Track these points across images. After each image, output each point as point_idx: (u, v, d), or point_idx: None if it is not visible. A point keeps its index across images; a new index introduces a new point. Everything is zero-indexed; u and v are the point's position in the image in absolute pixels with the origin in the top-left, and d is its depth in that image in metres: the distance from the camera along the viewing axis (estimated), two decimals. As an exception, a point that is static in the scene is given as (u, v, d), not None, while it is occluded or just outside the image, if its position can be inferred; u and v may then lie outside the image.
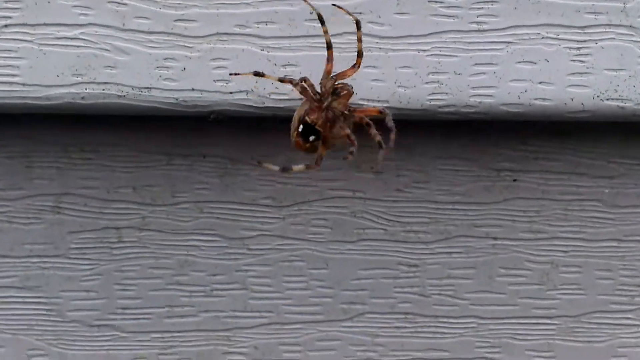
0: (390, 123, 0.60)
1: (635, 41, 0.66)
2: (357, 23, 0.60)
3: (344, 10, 0.61)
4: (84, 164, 0.71)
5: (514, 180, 0.72)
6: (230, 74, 0.62)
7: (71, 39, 0.64)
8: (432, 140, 0.71)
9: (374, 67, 0.66)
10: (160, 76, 0.65)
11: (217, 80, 0.65)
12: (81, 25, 0.64)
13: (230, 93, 0.65)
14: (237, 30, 0.65)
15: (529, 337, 0.75)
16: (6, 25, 0.64)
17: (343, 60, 0.62)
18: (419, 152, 0.72)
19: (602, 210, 0.73)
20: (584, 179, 0.73)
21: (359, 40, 0.60)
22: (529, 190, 0.73)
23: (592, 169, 0.72)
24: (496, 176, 0.72)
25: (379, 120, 0.61)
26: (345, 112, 0.61)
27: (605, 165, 0.72)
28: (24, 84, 0.64)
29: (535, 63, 0.66)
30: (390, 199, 0.73)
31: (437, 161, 0.72)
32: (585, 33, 0.66)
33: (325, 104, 0.60)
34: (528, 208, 0.73)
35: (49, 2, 0.64)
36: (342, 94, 0.61)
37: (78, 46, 0.64)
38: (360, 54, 0.60)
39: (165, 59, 0.65)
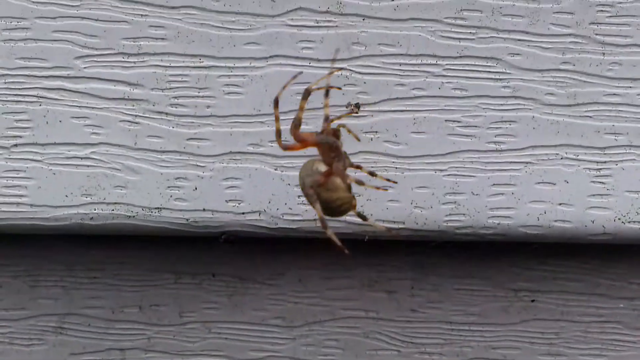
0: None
1: (656, 162, 0.65)
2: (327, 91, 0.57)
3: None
4: (90, 282, 0.69)
5: (532, 300, 0.70)
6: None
7: (82, 158, 0.63)
8: (447, 258, 0.70)
9: (390, 187, 0.64)
10: (171, 196, 0.63)
11: (229, 200, 0.64)
12: (92, 145, 0.63)
13: (243, 214, 0.64)
14: (250, 149, 0.64)
15: None
16: (16, 145, 0.62)
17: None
18: (434, 271, 0.70)
19: (623, 333, 0.71)
20: (604, 299, 0.71)
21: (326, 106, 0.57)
22: (547, 311, 0.71)
23: (612, 289, 0.70)
24: (513, 296, 0.71)
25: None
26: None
27: (626, 286, 0.70)
28: (31, 205, 0.63)
29: (554, 184, 0.64)
30: (404, 319, 0.71)
31: (452, 280, 0.70)
32: (605, 154, 0.65)
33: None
34: (547, 330, 0.71)
35: (60, 121, 0.62)
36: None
37: (88, 166, 0.63)
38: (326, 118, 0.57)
39: (177, 178, 0.63)
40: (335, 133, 0.57)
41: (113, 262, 0.68)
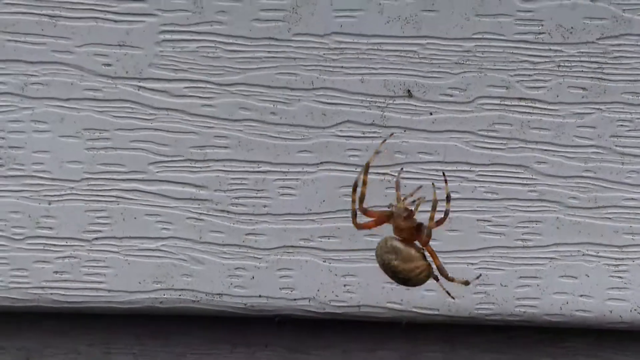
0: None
1: (670, 260, 0.71)
2: (448, 196, 0.59)
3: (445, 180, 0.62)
4: (156, 350, 0.77)
5: (556, 372, 0.77)
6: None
7: (153, 250, 0.71)
8: (478, 333, 0.77)
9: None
10: (231, 284, 0.71)
11: (283, 288, 0.71)
12: (163, 238, 0.71)
13: (294, 300, 0.72)
14: (302, 243, 0.71)
15: None
16: (97, 238, 0.71)
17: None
18: (465, 345, 0.77)
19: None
20: (622, 373, 0.77)
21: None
22: (570, 383, 0.77)
23: (629, 364, 0.77)
24: (539, 368, 0.77)
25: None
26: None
27: (644, 363, 0.77)
28: (109, 290, 0.71)
29: (576, 277, 0.71)
30: (439, 386, 0.78)
31: (482, 354, 0.77)
32: (623, 252, 0.71)
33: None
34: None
35: (135, 217, 0.71)
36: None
37: (159, 257, 0.71)
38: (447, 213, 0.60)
39: (237, 268, 0.71)
40: (406, 208, 0.60)
41: (176, 333, 0.77)
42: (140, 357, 0.77)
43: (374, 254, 0.70)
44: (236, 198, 0.71)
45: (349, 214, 0.68)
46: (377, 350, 0.77)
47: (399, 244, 0.59)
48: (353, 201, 0.59)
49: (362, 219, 0.60)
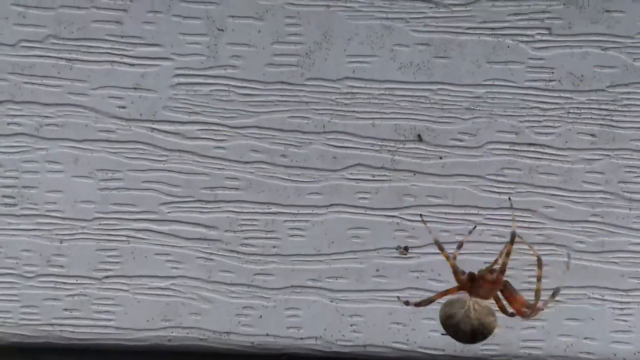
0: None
1: (674, 304, 0.72)
2: (539, 260, 0.61)
3: (528, 245, 0.64)
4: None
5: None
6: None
7: (163, 288, 0.71)
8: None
9: (433, 318, 0.72)
10: (239, 322, 0.72)
11: (290, 327, 0.72)
12: (172, 277, 0.71)
13: (301, 339, 0.72)
14: (310, 283, 0.72)
15: None
16: (107, 277, 0.71)
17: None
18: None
19: None
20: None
21: (539, 279, 0.61)
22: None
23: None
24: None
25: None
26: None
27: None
28: (117, 327, 0.72)
29: (581, 320, 0.72)
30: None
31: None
32: (628, 295, 0.72)
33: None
34: None
35: (145, 257, 0.71)
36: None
37: (168, 295, 0.72)
38: (537, 295, 0.61)
39: (245, 307, 0.72)
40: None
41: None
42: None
43: (380, 294, 0.71)
44: (246, 238, 0.71)
45: (357, 255, 0.69)
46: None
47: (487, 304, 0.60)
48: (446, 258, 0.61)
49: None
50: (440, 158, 0.71)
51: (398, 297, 0.68)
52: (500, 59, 0.69)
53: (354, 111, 0.70)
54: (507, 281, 0.61)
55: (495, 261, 0.62)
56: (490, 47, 0.69)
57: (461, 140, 0.70)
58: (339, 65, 0.69)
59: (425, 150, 0.71)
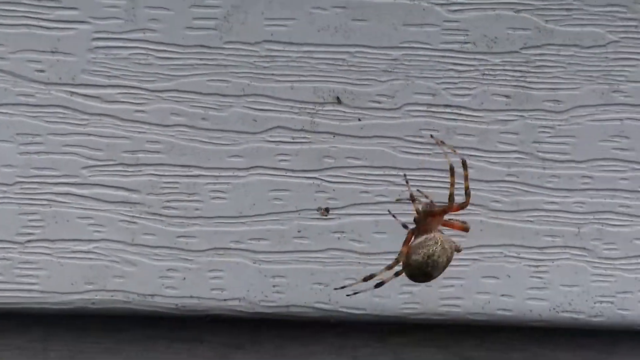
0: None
1: (588, 261, 0.74)
2: (463, 163, 0.63)
3: (449, 148, 0.67)
4: (94, 345, 0.78)
5: (481, 365, 0.80)
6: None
7: (86, 252, 0.72)
8: (407, 328, 0.79)
9: (355, 279, 0.74)
10: (163, 285, 0.73)
11: (213, 288, 0.73)
12: (95, 241, 0.72)
13: (225, 300, 0.73)
14: (232, 245, 0.73)
15: None
16: (29, 241, 0.72)
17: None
18: (396, 340, 0.79)
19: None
20: (543, 365, 0.80)
21: (466, 178, 0.64)
22: (495, 375, 0.80)
23: (552, 358, 0.80)
24: (464, 362, 0.80)
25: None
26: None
27: (571, 358, 0.80)
28: (42, 291, 0.72)
29: (498, 278, 0.74)
30: (368, 379, 0.80)
31: (412, 347, 0.80)
32: (543, 253, 0.74)
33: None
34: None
35: (67, 220, 0.72)
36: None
37: (91, 258, 0.72)
38: (467, 193, 0.64)
39: (168, 269, 0.73)
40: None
41: (113, 329, 0.78)
42: (78, 354, 0.78)
43: (301, 255, 0.72)
44: (168, 201, 0.72)
45: (279, 217, 0.70)
46: (310, 345, 0.80)
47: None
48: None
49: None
50: (359, 120, 0.72)
51: (389, 211, 0.67)
52: (416, 22, 0.71)
53: (273, 74, 0.71)
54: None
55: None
56: (407, 10, 0.70)
57: (379, 102, 0.72)
58: (258, 28, 0.70)
59: (344, 112, 0.72)
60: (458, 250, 0.66)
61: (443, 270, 0.63)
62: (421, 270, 0.63)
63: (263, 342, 0.79)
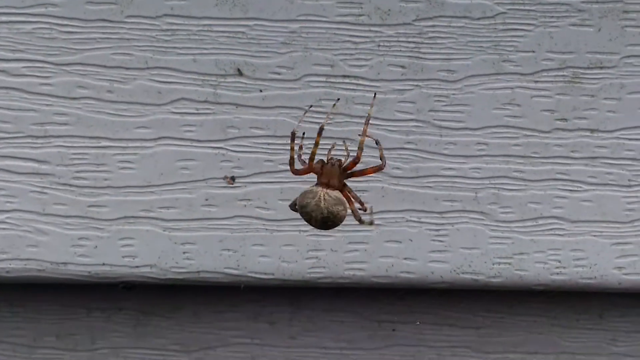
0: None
1: (485, 224, 0.77)
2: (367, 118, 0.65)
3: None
4: (12, 316, 0.81)
5: (393, 330, 0.83)
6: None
7: (-2, 222, 0.75)
8: (319, 296, 0.82)
9: (261, 245, 0.76)
10: (75, 253, 0.75)
11: (125, 256, 0.76)
12: (7, 211, 0.75)
13: (137, 267, 0.76)
14: (142, 214, 0.76)
15: None
16: (-58, 212, 0.74)
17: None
18: (309, 306, 0.82)
19: (471, 356, 0.84)
20: (454, 329, 0.83)
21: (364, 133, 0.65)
22: (406, 339, 0.83)
23: (460, 320, 0.83)
24: (377, 326, 0.83)
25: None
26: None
27: (472, 318, 0.83)
28: (-44, 261, 0.75)
29: (401, 242, 0.77)
30: (284, 345, 0.83)
31: (324, 314, 0.83)
32: (443, 217, 0.77)
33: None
34: (406, 354, 0.84)
35: (-21, 192, 0.74)
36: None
37: (4, 228, 0.75)
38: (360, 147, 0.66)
39: (80, 238, 0.75)
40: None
41: (32, 300, 0.81)
42: (-3, 324, 0.81)
43: (210, 223, 0.75)
44: (78, 172, 0.75)
45: (186, 186, 0.72)
46: (225, 312, 0.82)
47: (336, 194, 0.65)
48: (292, 149, 0.66)
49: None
50: (261, 91, 0.75)
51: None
52: (311, -5, 0.73)
53: (175, 47, 0.74)
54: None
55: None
56: (301, -16, 0.73)
57: (279, 74, 0.74)
58: (158, 2, 0.73)
59: (246, 84, 0.74)
60: (360, 220, 0.68)
61: (322, 224, 0.65)
62: (301, 215, 0.65)
63: (180, 309, 0.81)
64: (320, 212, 0.65)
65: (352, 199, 0.68)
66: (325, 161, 0.67)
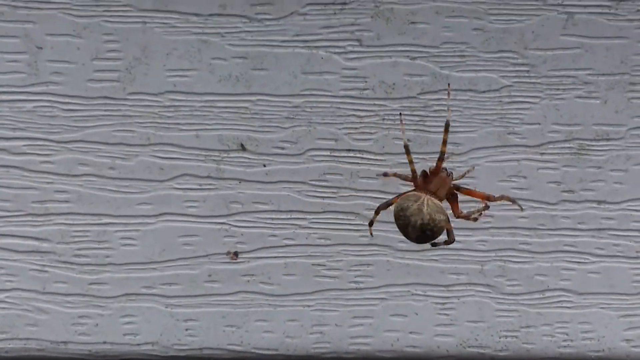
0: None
1: (492, 297, 0.76)
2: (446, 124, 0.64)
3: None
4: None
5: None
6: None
7: (-3, 302, 0.73)
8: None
9: (265, 320, 0.75)
10: (76, 332, 0.74)
11: (126, 334, 0.74)
12: (6, 290, 0.73)
13: (138, 345, 0.75)
14: (144, 290, 0.74)
15: None
16: (-61, 292, 0.73)
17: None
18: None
19: None
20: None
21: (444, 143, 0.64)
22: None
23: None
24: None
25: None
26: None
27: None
28: (-46, 342, 0.73)
29: (406, 316, 0.76)
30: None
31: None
32: (449, 290, 0.76)
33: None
34: None
35: (-23, 271, 0.73)
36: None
37: (3, 308, 0.73)
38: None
39: (80, 316, 0.74)
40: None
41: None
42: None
43: (213, 299, 0.74)
44: (79, 249, 0.73)
45: (189, 262, 0.71)
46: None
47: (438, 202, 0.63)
48: (410, 162, 0.65)
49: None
50: (264, 166, 0.74)
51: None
52: (315, 70, 0.73)
53: (177, 123, 0.73)
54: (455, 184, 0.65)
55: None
56: (305, 59, 0.72)
57: (283, 148, 0.74)
58: (160, 79, 0.72)
59: (249, 158, 0.74)
60: (474, 218, 0.65)
61: (420, 233, 0.62)
62: (397, 221, 0.63)
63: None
64: (421, 217, 0.62)
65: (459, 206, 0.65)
66: (433, 169, 0.65)
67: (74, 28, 0.71)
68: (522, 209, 0.68)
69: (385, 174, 0.68)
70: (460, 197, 0.67)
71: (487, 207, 0.66)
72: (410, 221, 0.64)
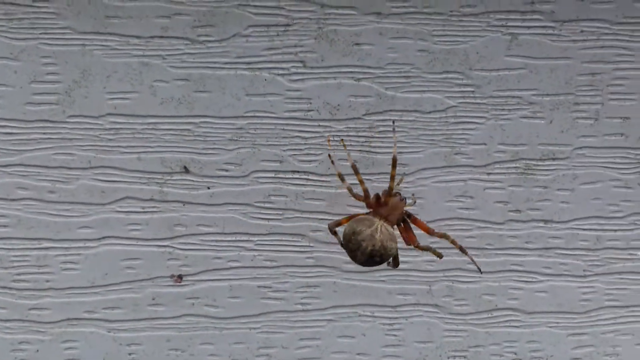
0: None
1: (440, 317, 0.75)
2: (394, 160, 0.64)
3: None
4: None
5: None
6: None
7: None
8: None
9: (211, 343, 0.74)
10: (16, 358, 0.72)
11: (68, 359, 0.73)
12: (-56, 317, 0.71)
13: (81, 370, 0.73)
14: (85, 315, 0.73)
15: None
16: None
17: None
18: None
19: None
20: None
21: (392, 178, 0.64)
22: None
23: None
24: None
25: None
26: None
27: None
28: None
29: (354, 337, 0.75)
30: None
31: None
32: (397, 311, 0.75)
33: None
34: None
35: None
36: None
37: (-59, 335, 0.72)
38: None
39: (20, 342, 0.73)
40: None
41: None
42: None
43: (157, 323, 0.73)
44: (18, 274, 0.72)
45: (132, 285, 0.70)
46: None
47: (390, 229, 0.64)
48: (360, 181, 0.65)
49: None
50: (208, 188, 0.73)
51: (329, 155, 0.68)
52: (259, 92, 0.72)
53: (119, 146, 0.71)
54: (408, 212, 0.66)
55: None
56: (248, 81, 0.71)
57: (227, 170, 0.72)
58: (100, 102, 0.71)
59: (193, 181, 0.72)
60: (439, 255, 0.66)
61: (368, 258, 0.63)
62: (347, 241, 0.63)
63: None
64: (372, 243, 0.62)
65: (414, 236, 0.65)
66: (387, 194, 0.64)
67: (11, 51, 0.70)
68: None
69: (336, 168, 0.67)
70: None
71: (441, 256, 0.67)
72: (361, 246, 0.64)
